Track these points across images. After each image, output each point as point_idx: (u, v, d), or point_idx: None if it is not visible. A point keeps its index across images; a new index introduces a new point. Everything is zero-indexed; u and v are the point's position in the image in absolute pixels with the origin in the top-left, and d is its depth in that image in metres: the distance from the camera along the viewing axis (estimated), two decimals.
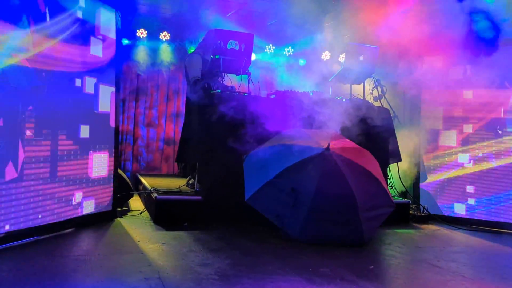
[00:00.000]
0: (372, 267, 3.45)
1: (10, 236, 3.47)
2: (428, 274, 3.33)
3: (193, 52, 5.71)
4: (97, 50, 4.45)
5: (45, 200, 3.82)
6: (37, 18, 3.71)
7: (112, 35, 4.67)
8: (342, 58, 9.05)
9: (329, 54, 9.11)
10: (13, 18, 3.47)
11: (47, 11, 3.80)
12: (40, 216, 3.75)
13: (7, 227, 3.43)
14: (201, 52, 5.49)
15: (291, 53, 8.96)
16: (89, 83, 4.34)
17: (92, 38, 4.38)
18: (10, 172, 3.46)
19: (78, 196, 4.22)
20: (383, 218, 4.42)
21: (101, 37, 4.50)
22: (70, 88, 4.12)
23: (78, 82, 4.20)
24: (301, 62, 8.95)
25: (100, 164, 4.54)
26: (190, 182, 5.57)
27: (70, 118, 4.13)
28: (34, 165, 3.69)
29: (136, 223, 4.61)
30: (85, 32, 4.28)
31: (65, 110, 4.05)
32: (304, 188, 4.19)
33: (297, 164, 4.28)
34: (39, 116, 3.75)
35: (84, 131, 4.31)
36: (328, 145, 4.33)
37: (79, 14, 4.20)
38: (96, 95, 4.43)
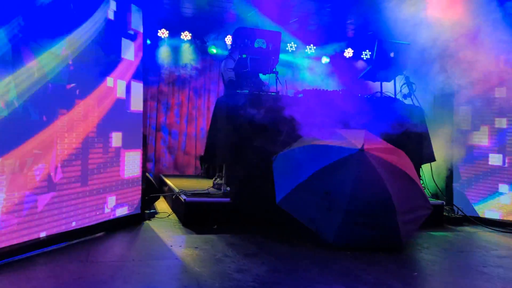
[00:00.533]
0: (416, 273, 3.30)
1: (43, 242, 3.41)
2: (477, 282, 3.17)
3: (226, 56, 5.62)
4: (127, 51, 4.39)
5: (77, 204, 3.76)
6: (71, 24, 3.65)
7: (140, 35, 4.60)
8: (365, 55, 8.91)
9: (352, 51, 8.95)
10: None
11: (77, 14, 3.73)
12: (74, 224, 3.69)
13: (42, 234, 3.38)
14: (233, 54, 5.40)
15: (313, 51, 8.82)
16: (120, 84, 4.28)
17: (123, 39, 4.33)
18: (45, 176, 3.40)
19: (109, 199, 4.16)
20: (420, 221, 4.26)
21: (131, 34, 4.44)
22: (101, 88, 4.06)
23: (110, 82, 4.14)
24: (324, 60, 8.79)
25: (131, 164, 4.47)
26: (216, 182, 5.48)
27: (102, 121, 4.06)
28: (66, 169, 3.62)
29: (165, 226, 4.53)
30: (116, 33, 4.23)
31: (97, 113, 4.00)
32: (338, 191, 4.05)
33: (330, 166, 4.14)
34: (71, 119, 3.69)
35: (117, 136, 4.25)
36: (363, 145, 4.19)
37: (110, 15, 4.14)
38: (128, 94, 4.38)
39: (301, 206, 4.14)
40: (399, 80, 5.70)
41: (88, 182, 3.88)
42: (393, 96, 5.59)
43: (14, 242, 3.15)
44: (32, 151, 3.28)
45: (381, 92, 5.60)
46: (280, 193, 4.22)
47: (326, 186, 4.07)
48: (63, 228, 3.59)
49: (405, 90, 5.69)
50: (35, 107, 3.32)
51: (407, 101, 5.62)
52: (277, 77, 5.18)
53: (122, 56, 4.32)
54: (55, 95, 3.52)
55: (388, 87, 5.80)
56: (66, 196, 3.63)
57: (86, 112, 3.86)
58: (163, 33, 7.73)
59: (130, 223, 4.44)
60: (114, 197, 4.22)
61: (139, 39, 4.60)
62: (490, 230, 5.06)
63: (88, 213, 3.89)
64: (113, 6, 4.17)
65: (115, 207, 4.23)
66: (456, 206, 5.59)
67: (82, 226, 3.82)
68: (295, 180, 4.18)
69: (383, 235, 3.98)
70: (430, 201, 4.68)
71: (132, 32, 4.46)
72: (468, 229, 5.11)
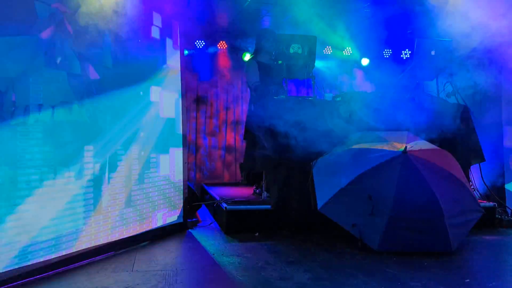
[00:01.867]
0: (467, 280, 3.13)
1: (89, 252, 3.52)
2: None
3: (250, 59, 5.62)
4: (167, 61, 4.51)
5: (122, 214, 3.86)
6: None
7: (177, 46, 4.70)
8: (405, 54, 8.66)
9: (390, 51, 8.74)
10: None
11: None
12: (117, 234, 3.79)
13: (88, 245, 3.49)
14: (256, 57, 5.39)
15: (350, 53, 8.67)
16: (155, 92, 4.40)
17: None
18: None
19: (153, 208, 4.25)
20: (471, 224, 4.06)
21: (170, 47, 4.56)
22: (138, 98, 4.17)
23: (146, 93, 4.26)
24: (364, 61, 8.61)
25: (174, 169, 4.57)
26: (257, 189, 5.48)
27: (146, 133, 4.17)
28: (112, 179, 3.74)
29: (207, 234, 4.56)
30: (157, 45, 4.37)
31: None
32: (382, 195, 3.94)
33: (373, 170, 4.04)
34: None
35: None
36: (405, 147, 4.06)
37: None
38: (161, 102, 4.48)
39: (344, 212, 4.05)
40: (442, 78, 5.50)
41: (132, 193, 3.98)
42: (436, 95, 5.39)
43: (63, 253, 3.28)
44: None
45: (423, 91, 5.42)
46: (321, 199, 4.15)
47: (369, 190, 3.96)
48: (109, 239, 3.70)
49: (449, 88, 5.48)
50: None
51: (451, 100, 5.40)
52: (314, 82, 5.13)
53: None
54: None
55: (431, 86, 5.62)
56: (112, 206, 3.74)
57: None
58: (200, 43, 7.87)
59: (174, 232, 4.51)
60: (156, 205, 4.30)
61: (175, 51, 4.69)
62: None
63: (132, 222, 3.98)
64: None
65: (156, 213, 4.31)
66: (509, 208, 5.29)
67: (127, 236, 3.91)
68: (337, 185, 4.10)
69: (431, 239, 3.82)
70: (481, 204, 4.47)
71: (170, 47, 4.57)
72: None
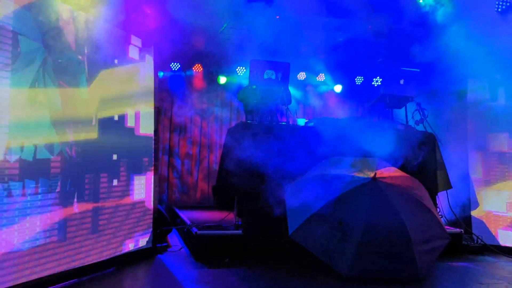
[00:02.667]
0: None
1: (51, 279, 3.38)
2: None
3: (246, 86, 5.68)
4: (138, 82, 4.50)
5: (88, 240, 3.75)
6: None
7: (151, 68, 4.70)
8: (376, 81, 8.89)
9: (362, 78, 8.96)
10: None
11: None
12: (82, 260, 3.67)
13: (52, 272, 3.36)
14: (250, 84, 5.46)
15: (323, 79, 8.84)
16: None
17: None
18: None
19: (121, 233, 4.14)
20: (439, 251, 4.12)
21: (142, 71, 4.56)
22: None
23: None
24: (337, 88, 8.78)
25: (141, 191, 4.48)
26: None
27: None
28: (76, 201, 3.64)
29: (177, 260, 4.48)
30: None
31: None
32: (352, 221, 3.97)
33: (343, 195, 4.08)
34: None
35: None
36: (375, 174, 4.13)
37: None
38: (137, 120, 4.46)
39: (314, 238, 4.05)
40: (411, 106, 5.67)
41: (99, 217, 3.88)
42: (405, 123, 5.53)
43: (25, 280, 3.14)
44: None
45: (392, 119, 5.56)
46: (292, 225, 4.14)
47: (339, 216, 3.99)
48: (73, 265, 3.57)
49: (417, 116, 5.64)
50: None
51: (419, 128, 5.56)
52: (287, 107, 5.19)
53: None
54: None
55: (400, 114, 5.78)
56: (78, 230, 3.62)
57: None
58: (175, 66, 7.88)
59: (142, 258, 4.40)
60: (123, 230, 4.20)
61: (148, 73, 4.69)
62: None
63: (99, 248, 3.86)
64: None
65: (123, 239, 4.21)
66: (475, 235, 5.42)
67: (93, 262, 3.79)
68: (307, 211, 4.11)
69: (400, 266, 3.86)
70: (448, 230, 4.56)
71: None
72: (488, 259, 4.93)
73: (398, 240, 3.87)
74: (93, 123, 3.84)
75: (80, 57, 3.72)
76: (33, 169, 3.21)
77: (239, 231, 4.70)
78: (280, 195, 4.47)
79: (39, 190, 3.26)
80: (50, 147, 3.38)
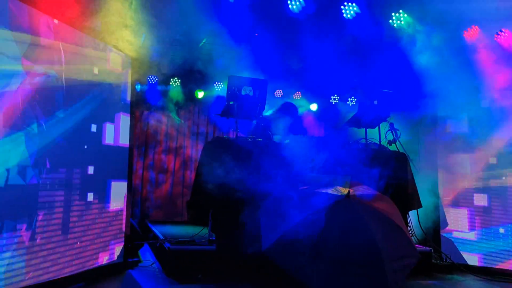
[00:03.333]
0: None
1: None
2: None
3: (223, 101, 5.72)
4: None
5: (54, 254, 3.64)
6: None
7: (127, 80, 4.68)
8: (351, 101, 9.09)
9: (337, 97, 9.14)
10: None
11: None
12: (50, 275, 3.56)
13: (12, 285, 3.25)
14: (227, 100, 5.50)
15: (300, 97, 8.99)
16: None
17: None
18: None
19: (91, 247, 4.04)
20: (408, 269, 4.18)
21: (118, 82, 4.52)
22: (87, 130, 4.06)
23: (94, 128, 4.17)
24: (313, 107, 8.93)
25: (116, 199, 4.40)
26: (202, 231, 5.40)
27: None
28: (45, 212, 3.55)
29: (148, 275, 4.40)
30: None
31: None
32: (324, 239, 4.00)
33: (317, 213, 4.10)
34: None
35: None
36: (349, 192, 4.19)
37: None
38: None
39: (287, 255, 4.05)
40: (384, 126, 5.81)
41: (69, 230, 3.79)
42: (378, 143, 5.66)
43: None
44: None
45: (366, 138, 5.68)
46: (266, 241, 4.14)
47: (312, 234, 4.02)
48: (40, 279, 3.46)
49: (390, 137, 5.78)
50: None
51: (392, 147, 5.70)
52: (265, 124, 5.24)
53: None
54: None
55: (373, 134, 5.91)
56: (44, 241, 3.53)
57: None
58: (153, 79, 7.85)
59: (112, 273, 4.30)
60: (93, 244, 4.11)
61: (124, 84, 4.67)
62: (479, 278, 5.00)
63: (67, 262, 3.76)
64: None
65: (96, 255, 4.11)
66: (444, 254, 5.54)
67: (60, 276, 3.68)
68: (281, 228, 4.12)
69: (370, 284, 3.89)
70: (418, 249, 4.65)
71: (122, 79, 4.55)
72: (457, 277, 5.04)
73: (370, 258, 3.91)
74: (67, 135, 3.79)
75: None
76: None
77: (213, 247, 4.66)
78: (255, 211, 4.48)
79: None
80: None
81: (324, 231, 4.02)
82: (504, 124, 5.30)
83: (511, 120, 5.27)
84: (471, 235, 5.46)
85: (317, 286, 3.87)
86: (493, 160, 5.40)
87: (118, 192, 4.48)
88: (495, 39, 5.41)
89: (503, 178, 5.28)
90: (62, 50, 3.74)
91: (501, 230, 5.21)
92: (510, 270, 5.07)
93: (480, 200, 5.46)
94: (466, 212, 5.56)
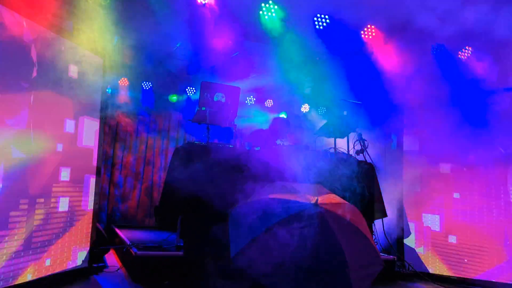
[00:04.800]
0: None
1: None
2: None
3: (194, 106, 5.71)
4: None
5: (15, 258, 3.53)
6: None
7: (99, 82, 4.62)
8: (320, 111, 9.25)
9: (308, 106, 9.28)
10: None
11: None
12: (10, 280, 3.45)
13: None
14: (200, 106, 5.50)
15: (272, 105, 9.08)
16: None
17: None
18: None
19: (54, 251, 3.94)
20: (373, 277, 4.28)
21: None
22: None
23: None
24: (283, 114, 9.04)
25: (78, 205, 4.30)
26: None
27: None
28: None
29: (114, 281, 4.33)
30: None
31: None
32: (292, 246, 4.05)
33: (284, 220, 4.15)
34: None
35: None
36: (317, 200, 4.26)
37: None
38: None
39: (255, 262, 4.08)
40: (352, 136, 5.95)
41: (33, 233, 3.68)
42: (346, 152, 5.79)
43: None
44: None
45: (335, 148, 5.80)
46: (234, 248, 4.15)
47: (280, 241, 4.06)
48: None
49: (358, 147, 5.93)
50: None
51: (360, 157, 5.84)
52: (235, 130, 5.27)
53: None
54: None
55: (341, 143, 6.04)
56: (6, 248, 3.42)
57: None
58: (123, 81, 7.76)
59: (76, 278, 4.20)
60: (53, 246, 4.01)
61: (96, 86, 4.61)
62: (440, 286, 5.18)
63: (27, 267, 3.65)
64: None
65: (59, 259, 4.01)
66: (406, 262, 5.70)
67: (20, 282, 3.56)
68: (250, 235, 4.14)
69: None
70: (382, 257, 4.77)
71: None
72: (418, 285, 5.19)
73: (336, 266, 3.98)
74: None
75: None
76: None
77: (180, 253, 4.63)
78: (224, 217, 4.49)
79: None
80: None
81: (291, 238, 4.07)
82: None
83: None
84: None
85: None
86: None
87: (83, 196, 4.39)
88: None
89: None
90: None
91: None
92: (468, 279, 5.30)
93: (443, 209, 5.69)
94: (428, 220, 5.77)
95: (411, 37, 5.76)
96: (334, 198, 4.60)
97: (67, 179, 4.14)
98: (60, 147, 4.02)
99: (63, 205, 4.08)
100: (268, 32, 5.85)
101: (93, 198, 4.51)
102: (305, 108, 9.17)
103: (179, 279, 4.44)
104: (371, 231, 5.50)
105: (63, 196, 4.07)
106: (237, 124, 5.44)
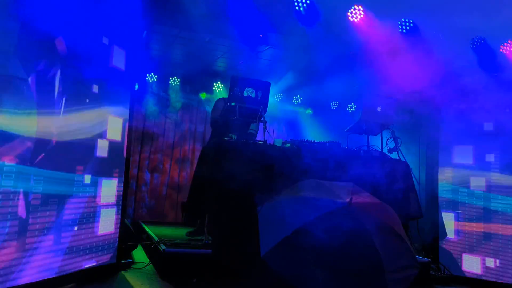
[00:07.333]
0: None
1: None
2: None
3: (220, 98, 5.61)
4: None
5: (44, 253, 3.51)
6: None
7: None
8: (350, 108, 9.04)
9: (337, 103, 9.09)
10: None
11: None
12: (40, 274, 3.42)
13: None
14: (226, 98, 5.40)
15: (300, 102, 8.92)
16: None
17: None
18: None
19: (83, 246, 3.91)
20: (409, 280, 4.09)
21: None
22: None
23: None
24: (308, 111, 8.88)
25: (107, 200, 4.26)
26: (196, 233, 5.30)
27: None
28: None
29: (142, 278, 4.27)
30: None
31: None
32: (325, 246, 3.90)
33: (317, 219, 4.01)
34: None
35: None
36: (351, 199, 4.10)
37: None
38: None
39: (286, 261, 3.95)
40: (386, 134, 5.74)
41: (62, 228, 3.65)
42: (380, 150, 5.58)
43: None
44: None
45: (368, 145, 5.60)
46: (264, 247, 4.03)
47: (313, 241, 3.92)
48: (27, 280, 3.32)
49: (391, 144, 5.71)
50: None
51: (393, 155, 5.62)
52: (266, 126, 5.14)
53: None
54: None
55: (375, 141, 5.84)
56: (36, 242, 3.39)
57: None
58: (151, 77, 7.74)
59: (104, 274, 4.17)
60: (88, 244, 3.98)
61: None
62: None
63: (58, 262, 3.63)
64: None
65: (89, 255, 3.98)
66: (442, 265, 5.46)
67: (49, 277, 3.54)
68: (281, 234, 4.01)
69: None
70: (417, 259, 4.56)
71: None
72: None
73: (371, 268, 3.82)
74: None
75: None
76: None
77: (209, 251, 4.54)
78: (253, 214, 4.37)
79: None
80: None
81: (325, 238, 3.92)
82: None
83: None
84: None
85: None
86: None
87: (112, 190, 4.35)
88: None
89: None
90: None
91: None
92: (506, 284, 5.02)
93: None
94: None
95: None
96: (368, 198, 4.42)
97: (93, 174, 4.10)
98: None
99: (91, 199, 4.05)
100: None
101: (122, 194, 4.46)
102: (333, 104, 8.99)
103: (207, 276, 4.35)
104: (407, 232, 5.28)
105: (87, 188, 4.03)
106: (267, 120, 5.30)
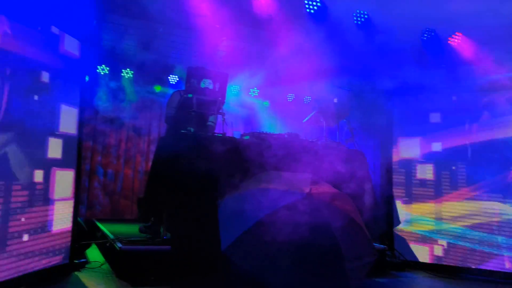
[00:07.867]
0: None
1: None
2: None
3: (174, 91, 5.43)
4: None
5: None
6: None
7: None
8: (306, 99, 9.12)
9: (293, 95, 9.14)
10: None
11: None
12: None
13: None
14: (181, 91, 5.24)
15: (256, 94, 8.89)
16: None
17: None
18: None
19: (34, 247, 3.68)
20: (368, 268, 4.19)
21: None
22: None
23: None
24: (265, 103, 8.89)
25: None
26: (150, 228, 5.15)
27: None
28: None
29: (97, 278, 4.10)
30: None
31: None
32: (285, 238, 3.90)
33: (277, 211, 4.01)
34: None
35: None
36: (310, 189, 4.12)
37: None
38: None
39: (247, 254, 3.92)
40: (342, 125, 5.84)
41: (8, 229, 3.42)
42: (336, 141, 5.67)
43: None
44: None
45: (325, 136, 5.66)
46: (225, 241, 3.98)
47: (273, 232, 3.91)
48: None
49: (347, 135, 5.82)
50: None
51: (350, 146, 5.73)
52: (224, 118, 5.06)
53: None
54: None
55: (331, 132, 5.92)
56: None
57: None
58: (103, 69, 7.43)
59: (57, 275, 3.96)
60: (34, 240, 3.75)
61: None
62: (431, 275, 5.13)
63: (5, 265, 3.39)
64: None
65: (39, 255, 3.76)
66: (397, 251, 5.64)
67: None
68: (241, 227, 3.97)
69: (332, 284, 3.85)
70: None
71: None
72: (410, 274, 5.14)
73: (331, 257, 3.87)
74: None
75: None
76: None
77: (168, 247, 4.42)
78: (213, 208, 4.30)
79: None
80: None
81: (285, 229, 3.92)
82: None
83: None
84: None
85: (277, 286, 3.77)
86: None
87: (63, 185, 4.13)
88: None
89: None
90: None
91: None
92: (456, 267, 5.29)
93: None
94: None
95: None
96: (327, 188, 4.47)
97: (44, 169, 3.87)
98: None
99: (41, 193, 3.82)
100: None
101: (73, 190, 4.25)
102: (290, 96, 9.03)
103: (166, 274, 4.24)
104: (363, 221, 5.40)
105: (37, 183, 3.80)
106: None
